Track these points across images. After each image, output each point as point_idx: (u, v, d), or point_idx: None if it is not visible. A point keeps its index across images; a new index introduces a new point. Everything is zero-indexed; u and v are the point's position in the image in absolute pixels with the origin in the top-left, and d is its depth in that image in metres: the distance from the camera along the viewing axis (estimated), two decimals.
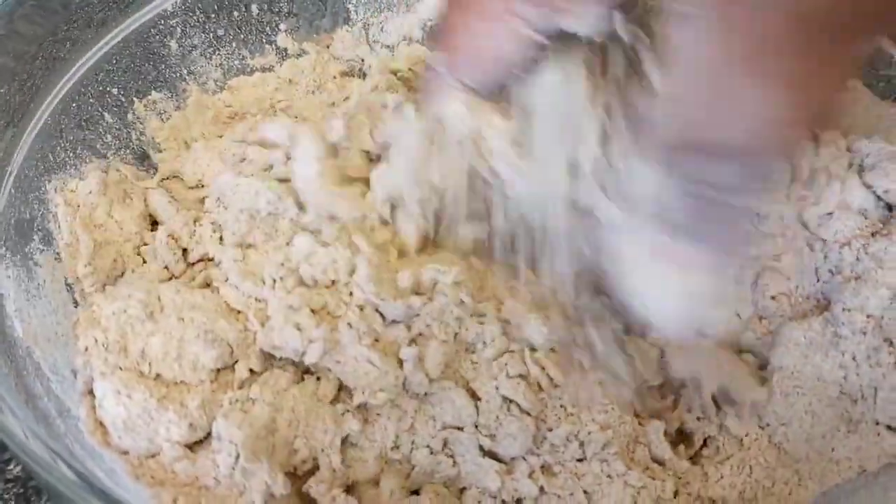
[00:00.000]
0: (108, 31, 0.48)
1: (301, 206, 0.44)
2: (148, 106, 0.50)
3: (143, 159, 0.50)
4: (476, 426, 0.40)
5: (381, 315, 0.41)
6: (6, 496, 0.47)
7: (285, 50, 0.54)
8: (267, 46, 0.54)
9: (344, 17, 0.55)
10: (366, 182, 0.43)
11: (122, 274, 0.45)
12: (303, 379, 0.41)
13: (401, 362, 0.40)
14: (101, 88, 0.48)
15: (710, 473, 0.42)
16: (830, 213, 0.45)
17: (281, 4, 0.53)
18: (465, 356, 0.41)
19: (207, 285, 0.43)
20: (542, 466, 0.40)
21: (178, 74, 0.51)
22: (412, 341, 0.40)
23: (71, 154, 0.46)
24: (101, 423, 0.40)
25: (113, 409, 0.39)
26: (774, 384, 0.43)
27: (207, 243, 0.44)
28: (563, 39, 0.36)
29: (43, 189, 0.44)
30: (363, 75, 0.54)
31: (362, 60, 0.55)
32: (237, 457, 0.38)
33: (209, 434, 0.39)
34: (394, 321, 0.41)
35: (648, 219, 0.34)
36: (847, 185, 0.45)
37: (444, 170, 0.41)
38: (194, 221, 0.45)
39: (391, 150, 0.43)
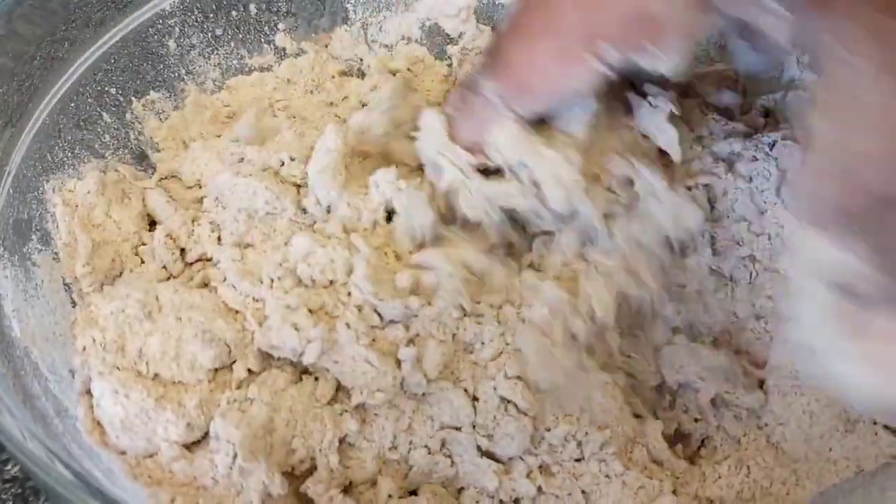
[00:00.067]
0: (106, 30, 0.48)
1: (300, 205, 0.44)
2: (146, 106, 0.50)
3: (142, 159, 0.49)
4: (474, 426, 0.40)
5: (379, 315, 0.41)
6: (4, 496, 0.47)
7: (284, 49, 0.54)
8: (265, 46, 0.53)
9: (342, 17, 0.55)
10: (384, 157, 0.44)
11: (121, 274, 0.45)
12: (301, 379, 0.41)
13: (399, 362, 0.40)
14: (99, 88, 0.48)
15: (707, 473, 0.42)
16: None
17: (279, 4, 0.53)
18: (463, 356, 0.41)
19: (205, 285, 0.43)
20: (540, 466, 0.40)
21: (176, 74, 0.51)
22: (410, 341, 0.40)
23: (69, 154, 0.46)
24: (99, 423, 0.40)
25: (111, 408, 0.39)
26: (772, 384, 0.43)
27: (205, 243, 0.44)
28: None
29: (41, 189, 0.44)
30: (362, 75, 0.54)
31: (361, 60, 0.55)
32: (235, 456, 0.37)
33: (207, 434, 0.39)
34: (392, 321, 0.41)
35: (828, 287, 0.31)
36: None
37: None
38: (192, 221, 0.45)
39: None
